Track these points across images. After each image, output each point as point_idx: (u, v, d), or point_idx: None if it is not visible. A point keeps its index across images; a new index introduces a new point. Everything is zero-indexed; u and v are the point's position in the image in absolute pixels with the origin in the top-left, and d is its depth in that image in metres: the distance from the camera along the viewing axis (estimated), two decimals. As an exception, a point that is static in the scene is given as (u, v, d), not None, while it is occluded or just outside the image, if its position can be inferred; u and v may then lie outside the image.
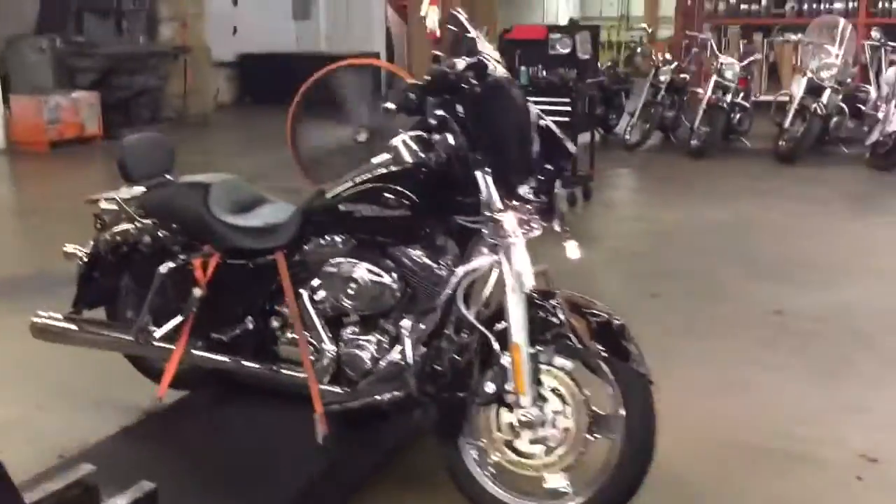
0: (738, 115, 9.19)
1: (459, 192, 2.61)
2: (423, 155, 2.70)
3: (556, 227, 2.62)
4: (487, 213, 2.51)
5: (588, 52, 7.00)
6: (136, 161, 3.22)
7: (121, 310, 3.38)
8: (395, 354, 2.76)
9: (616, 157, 9.15)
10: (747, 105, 9.24)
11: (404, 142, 2.77)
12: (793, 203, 7.11)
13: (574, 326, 2.47)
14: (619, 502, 2.47)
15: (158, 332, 3.10)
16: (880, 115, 8.61)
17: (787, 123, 8.72)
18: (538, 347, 2.49)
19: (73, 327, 3.33)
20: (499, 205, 2.50)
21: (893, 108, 8.34)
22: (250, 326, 3.04)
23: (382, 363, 2.78)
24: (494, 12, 13.20)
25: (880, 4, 11.26)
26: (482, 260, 2.58)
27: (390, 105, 2.49)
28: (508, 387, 2.48)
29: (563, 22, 16.07)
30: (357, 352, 2.82)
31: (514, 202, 2.51)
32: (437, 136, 2.58)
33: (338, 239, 2.87)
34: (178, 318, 3.07)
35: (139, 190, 3.23)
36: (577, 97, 6.73)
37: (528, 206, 2.53)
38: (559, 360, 2.51)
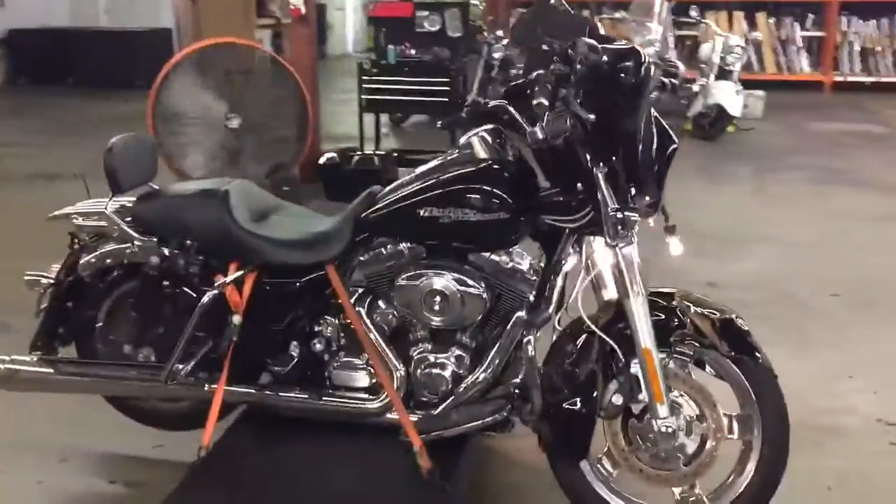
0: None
1: (555, 190, 2.43)
2: (502, 151, 2.51)
3: (663, 222, 2.52)
4: (610, 211, 2.34)
5: (459, 30, 6.87)
6: (125, 168, 2.72)
7: (99, 343, 2.87)
8: (483, 371, 2.54)
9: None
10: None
11: (482, 138, 2.55)
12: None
13: (698, 326, 2.39)
14: None
15: (185, 369, 2.66)
16: (695, 87, 9.23)
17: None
18: (664, 351, 2.38)
19: (51, 371, 2.79)
20: (614, 203, 2.35)
21: (713, 81, 8.95)
22: (295, 353, 2.69)
23: (467, 382, 2.55)
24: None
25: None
26: (600, 261, 2.41)
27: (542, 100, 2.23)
28: (641, 396, 2.36)
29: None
30: (436, 371, 2.57)
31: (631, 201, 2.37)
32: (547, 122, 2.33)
33: (402, 247, 2.60)
34: (205, 349, 2.67)
35: (126, 202, 2.76)
36: (455, 77, 6.60)
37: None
38: (684, 364, 2.42)
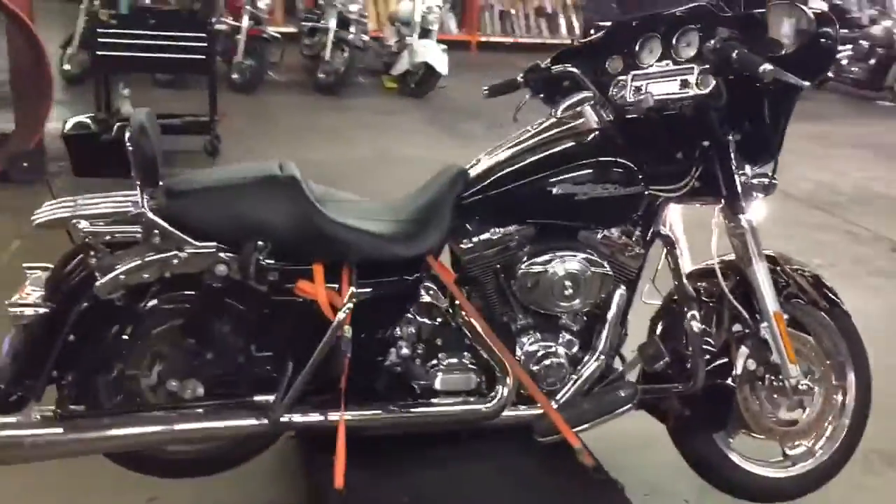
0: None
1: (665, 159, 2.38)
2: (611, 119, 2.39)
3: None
4: (745, 179, 2.35)
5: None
6: (154, 153, 2.10)
7: (107, 387, 2.21)
8: (600, 352, 2.41)
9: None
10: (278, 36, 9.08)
11: (592, 106, 2.40)
12: (414, 134, 7.43)
13: (800, 284, 2.50)
14: (857, 444, 2.61)
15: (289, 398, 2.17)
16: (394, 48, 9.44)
17: (327, 55, 8.86)
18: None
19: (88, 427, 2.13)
20: (744, 171, 2.36)
21: (417, 39, 9.12)
22: (395, 361, 2.32)
23: (589, 366, 2.41)
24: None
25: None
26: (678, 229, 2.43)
27: None
28: (773, 359, 2.42)
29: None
30: (555, 360, 2.39)
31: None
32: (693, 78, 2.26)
33: (511, 230, 2.35)
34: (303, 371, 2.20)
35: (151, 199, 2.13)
36: (215, 33, 5.94)
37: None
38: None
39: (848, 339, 2.57)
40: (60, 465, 2.33)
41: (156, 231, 2.08)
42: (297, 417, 2.21)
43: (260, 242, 2.12)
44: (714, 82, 2.24)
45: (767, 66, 2.04)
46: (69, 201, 2.18)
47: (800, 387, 2.43)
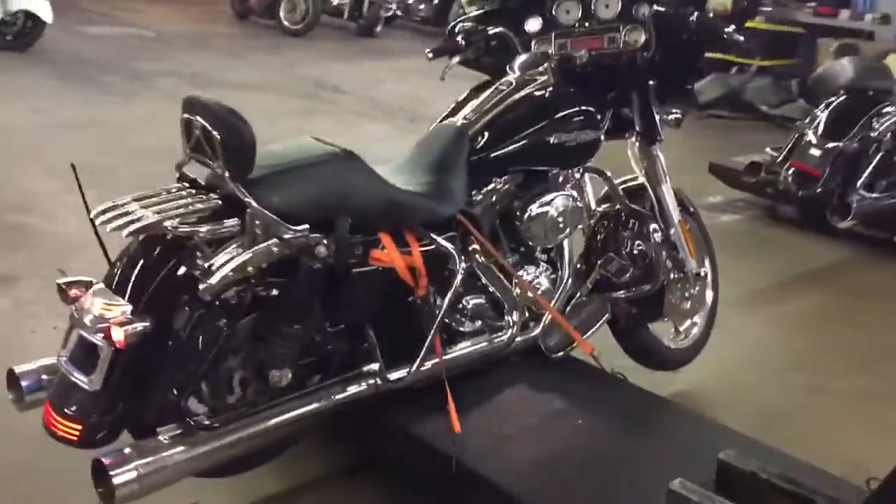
0: None
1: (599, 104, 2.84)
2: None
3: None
4: (660, 116, 2.91)
5: None
6: (254, 141, 2.03)
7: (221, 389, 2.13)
8: (568, 274, 2.82)
9: None
10: None
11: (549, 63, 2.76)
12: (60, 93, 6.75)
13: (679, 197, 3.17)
14: (716, 312, 3.34)
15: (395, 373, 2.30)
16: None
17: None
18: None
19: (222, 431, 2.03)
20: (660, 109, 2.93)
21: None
22: (445, 311, 2.50)
23: (565, 286, 2.80)
24: None
25: None
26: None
27: None
28: (681, 256, 3.05)
29: None
30: (543, 287, 2.75)
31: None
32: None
33: (508, 178, 2.66)
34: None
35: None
36: None
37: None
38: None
39: (702, 234, 3.30)
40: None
41: (258, 221, 2.01)
42: (401, 374, 2.32)
43: (346, 219, 2.15)
44: (644, 38, 2.74)
45: (727, 28, 2.62)
46: (126, 202, 1.99)
47: (700, 274, 3.11)
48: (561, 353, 2.74)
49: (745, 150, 5.60)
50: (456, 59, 2.86)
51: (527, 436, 2.39)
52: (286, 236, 2.04)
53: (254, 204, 1.99)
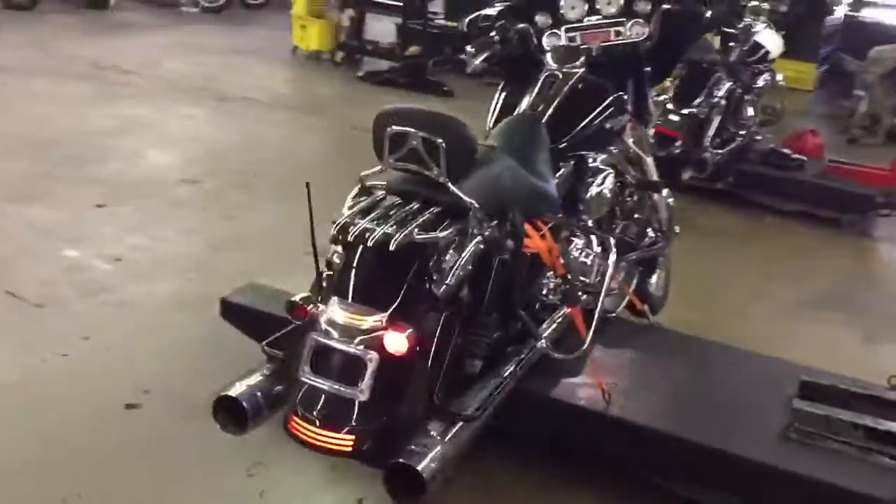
0: None
1: None
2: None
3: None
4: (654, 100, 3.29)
5: None
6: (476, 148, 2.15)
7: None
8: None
9: None
10: None
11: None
12: None
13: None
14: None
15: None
16: None
17: None
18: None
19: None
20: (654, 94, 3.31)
21: None
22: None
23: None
24: None
25: None
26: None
27: None
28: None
29: None
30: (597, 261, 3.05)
31: None
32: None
33: (573, 163, 2.89)
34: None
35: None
36: None
37: None
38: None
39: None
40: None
41: (474, 222, 2.09)
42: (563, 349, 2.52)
43: (517, 210, 2.29)
44: (647, 31, 3.08)
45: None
46: (352, 217, 1.99)
47: (676, 231, 3.55)
48: (614, 314, 3.05)
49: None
50: (482, 56, 2.98)
51: (643, 386, 2.70)
52: (486, 234, 2.14)
53: (475, 205, 2.06)
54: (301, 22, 8.95)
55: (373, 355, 1.88)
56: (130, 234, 4.18)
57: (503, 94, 2.96)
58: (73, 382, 2.98)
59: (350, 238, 1.95)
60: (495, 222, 2.19)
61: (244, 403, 2.01)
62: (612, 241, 2.87)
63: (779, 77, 5.94)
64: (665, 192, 3.31)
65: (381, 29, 9.09)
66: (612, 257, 2.90)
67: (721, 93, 5.21)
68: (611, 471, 2.65)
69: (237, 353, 3.07)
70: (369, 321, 1.91)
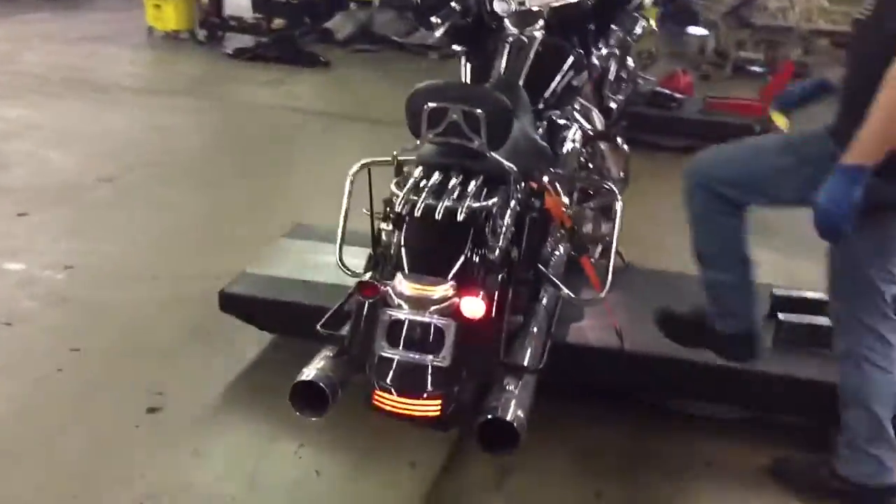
0: None
1: None
2: None
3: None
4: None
5: None
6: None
7: None
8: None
9: None
10: None
11: None
12: None
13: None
14: None
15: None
16: None
17: None
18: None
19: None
20: None
21: None
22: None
23: None
24: None
25: None
26: None
27: None
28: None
29: None
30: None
31: None
32: None
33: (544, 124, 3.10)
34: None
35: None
36: None
37: None
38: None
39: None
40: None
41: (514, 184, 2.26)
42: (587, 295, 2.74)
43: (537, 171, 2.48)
44: None
45: None
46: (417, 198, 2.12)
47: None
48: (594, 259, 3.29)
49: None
50: (440, 31, 3.11)
51: (643, 321, 2.94)
52: (520, 196, 2.31)
53: (514, 170, 2.21)
54: (155, 1, 8.64)
55: (450, 322, 2.00)
56: (68, 240, 4.05)
57: (469, 64, 3.10)
58: (84, 400, 2.91)
59: (417, 213, 2.05)
60: (523, 183, 2.36)
61: (323, 386, 2.08)
62: (616, 188, 3.07)
63: (651, 23, 6.34)
64: (619, 140, 3.57)
65: (241, 4, 8.90)
66: (619, 204, 3.10)
67: (613, 41, 5.53)
68: (628, 403, 2.91)
69: (240, 343, 3.13)
70: (440, 290, 2.02)
